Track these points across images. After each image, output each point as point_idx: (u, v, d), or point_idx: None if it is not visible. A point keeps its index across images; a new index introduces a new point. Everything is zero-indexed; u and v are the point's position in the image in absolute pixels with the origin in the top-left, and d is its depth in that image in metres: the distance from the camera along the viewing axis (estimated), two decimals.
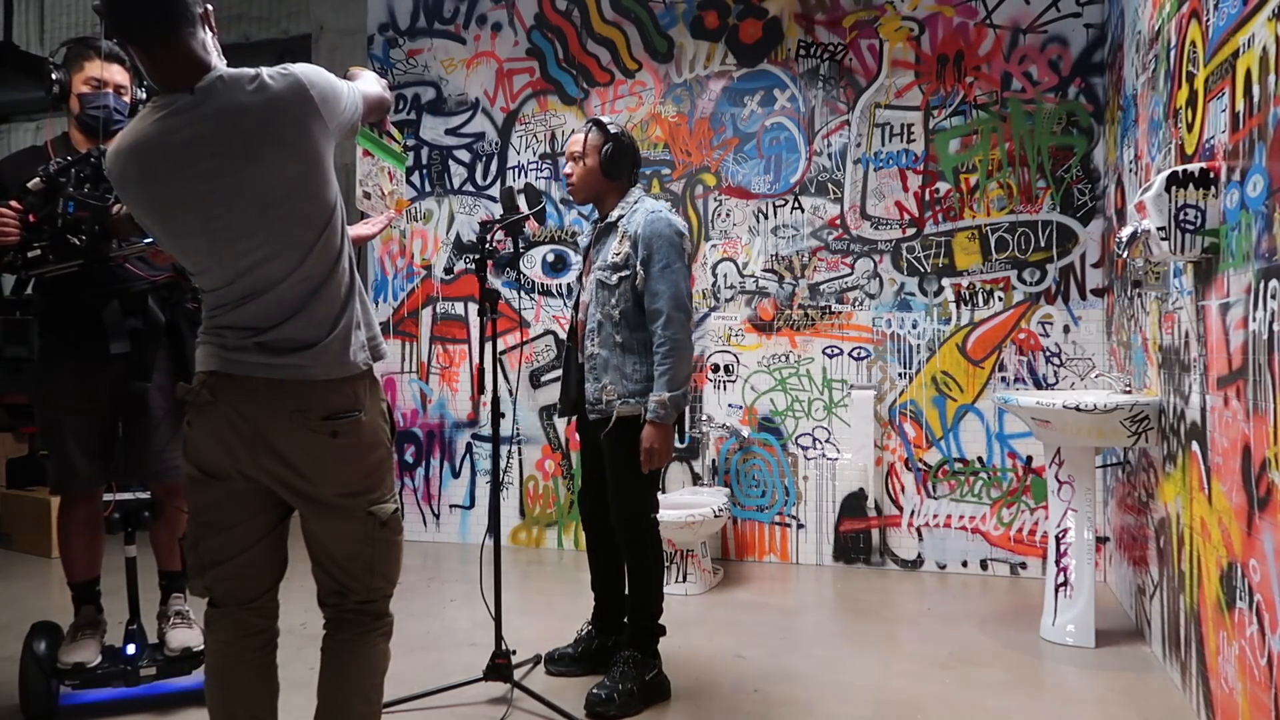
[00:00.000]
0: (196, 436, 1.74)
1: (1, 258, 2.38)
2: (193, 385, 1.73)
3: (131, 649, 2.61)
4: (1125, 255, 2.83)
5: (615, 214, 2.70)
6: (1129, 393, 3.20)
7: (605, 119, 2.75)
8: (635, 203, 2.70)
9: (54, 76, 2.56)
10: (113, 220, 2.37)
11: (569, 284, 4.58)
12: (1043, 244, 4.02)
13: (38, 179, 2.35)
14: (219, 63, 1.67)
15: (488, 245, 2.64)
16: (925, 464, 4.14)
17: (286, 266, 1.67)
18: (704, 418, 4.38)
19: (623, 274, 2.62)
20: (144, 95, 2.63)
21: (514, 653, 2.66)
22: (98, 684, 2.56)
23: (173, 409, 2.63)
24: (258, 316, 1.69)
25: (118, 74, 2.58)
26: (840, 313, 4.23)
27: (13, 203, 2.37)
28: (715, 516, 3.73)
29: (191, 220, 1.64)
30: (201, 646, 2.58)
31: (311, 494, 1.74)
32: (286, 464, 1.71)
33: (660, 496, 4.05)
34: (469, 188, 4.76)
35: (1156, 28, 2.92)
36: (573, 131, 2.70)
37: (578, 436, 2.94)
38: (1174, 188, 2.35)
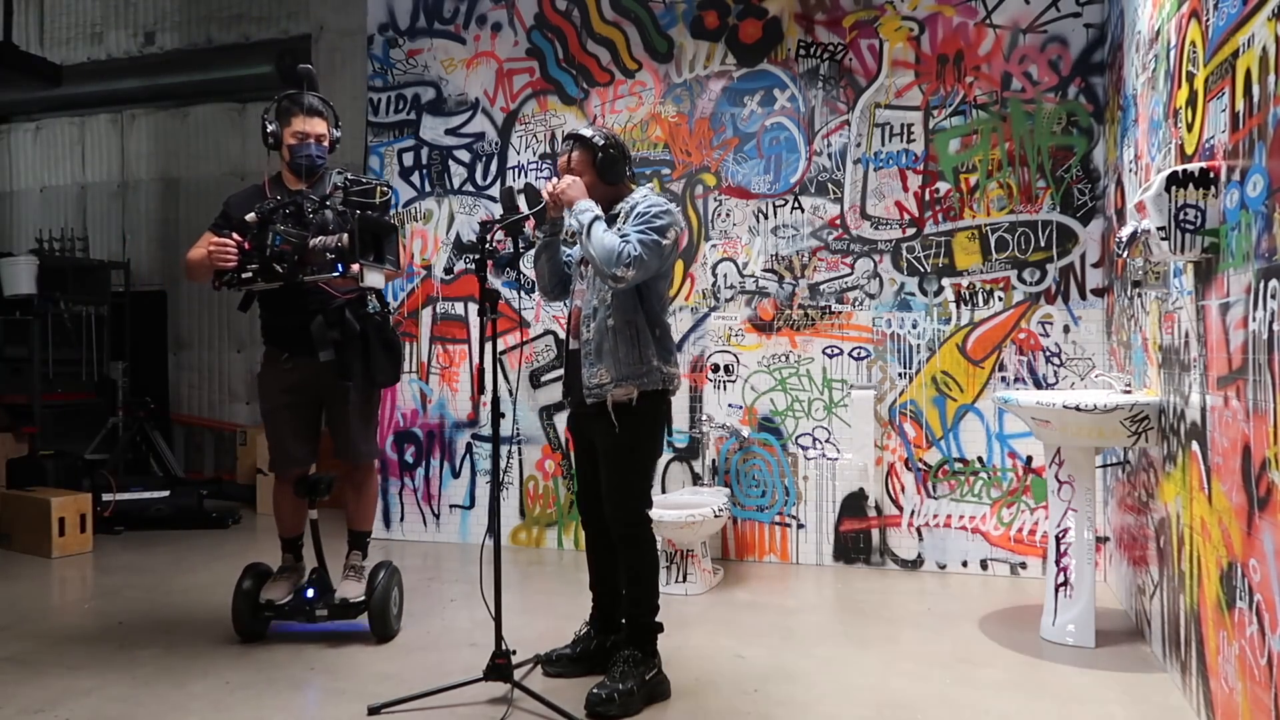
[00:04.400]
0: None
1: (221, 277, 2.94)
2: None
3: (310, 593, 3.15)
4: (1125, 255, 2.83)
5: (621, 205, 2.72)
6: (1129, 393, 3.20)
7: (586, 131, 2.74)
8: (641, 195, 2.72)
9: (268, 129, 3.08)
10: (309, 252, 2.86)
11: None
12: (1043, 244, 4.02)
13: (253, 214, 2.90)
14: None
15: (488, 245, 2.64)
16: (925, 464, 4.14)
17: None
18: (704, 418, 4.38)
19: None
20: (338, 134, 3.18)
21: (514, 653, 2.66)
22: (286, 618, 3.12)
23: (362, 403, 3.17)
24: None
25: (318, 125, 3.09)
26: (840, 313, 4.23)
27: (234, 234, 2.91)
28: (715, 516, 3.73)
29: None
30: (360, 598, 3.12)
31: None
32: None
33: (660, 496, 4.06)
34: (469, 188, 4.76)
35: (1156, 28, 2.92)
36: (559, 144, 2.72)
37: (572, 436, 2.94)
38: (1174, 188, 2.35)
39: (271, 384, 3.17)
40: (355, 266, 2.81)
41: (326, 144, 3.13)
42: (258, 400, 3.26)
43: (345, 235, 2.83)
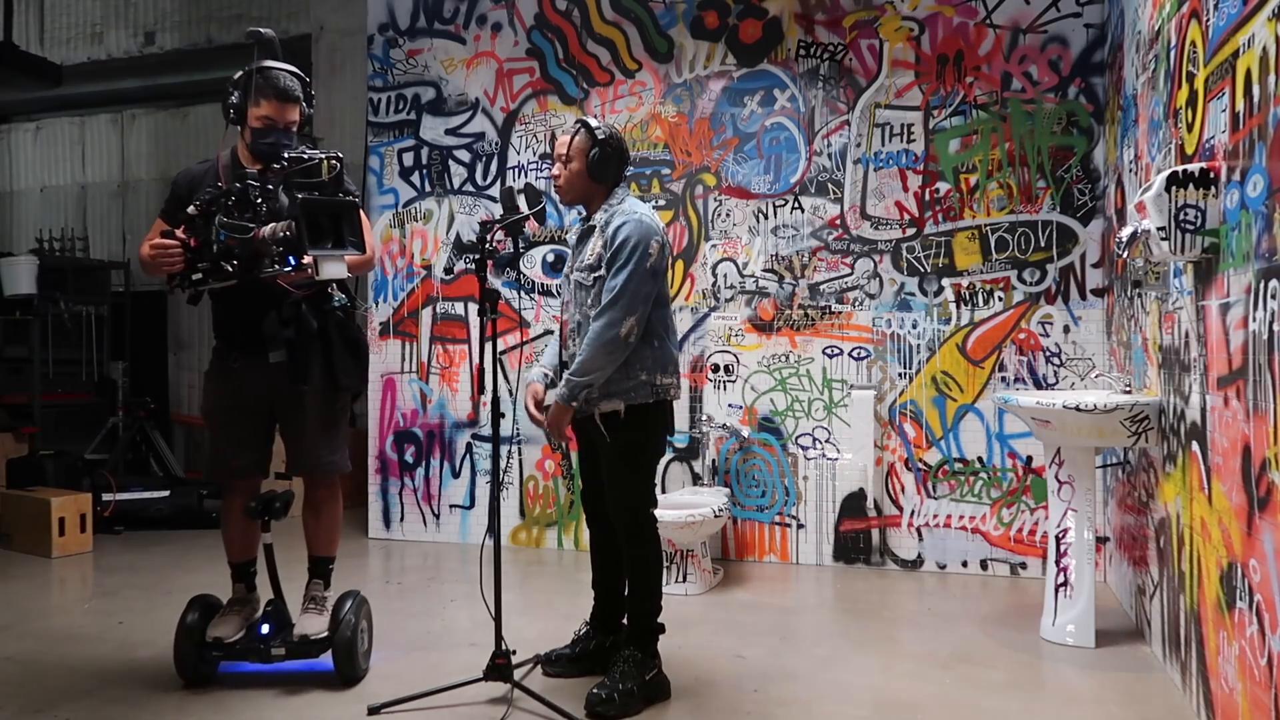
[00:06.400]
0: None
1: (170, 281, 2.63)
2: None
3: (266, 629, 2.78)
4: (1125, 255, 2.83)
5: (598, 216, 2.70)
6: (1129, 393, 3.20)
7: (593, 121, 2.73)
8: (618, 204, 2.69)
9: (232, 100, 2.75)
10: (258, 244, 2.55)
11: None
12: (1043, 244, 4.02)
13: (194, 207, 2.59)
14: None
15: (488, 245, 2.64)
16: (925, 464, 4.14)
17: None
18: (704, 418, 4.38)
19: (597, 274, 2.63)
20: (310, 110, 2.84)
21: (514, 653, 2.66)
22: (236, 658, 2.75)
23: (322, 409, 2.82)
24: None
25: (291, 113, 2.75)
26: (840, 313, 4.23)
27: (177, 233, 2.60)
28: (715, 516, 3.73)
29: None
30: (323, 634, 2.76)
31: None
32: None
33: (660, 496, 4.06)
34: (469, 188, 4.76)
35: (1156, 28, 2.92)
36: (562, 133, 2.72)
37: (575, 436, 2.94)
38: (1174, 188, 2.35)
39: (216, 384, 2.84)
40: (307, 259, 2.53)
41: (295, 129, 2.79)
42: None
43: (292, 223, 2.52)
